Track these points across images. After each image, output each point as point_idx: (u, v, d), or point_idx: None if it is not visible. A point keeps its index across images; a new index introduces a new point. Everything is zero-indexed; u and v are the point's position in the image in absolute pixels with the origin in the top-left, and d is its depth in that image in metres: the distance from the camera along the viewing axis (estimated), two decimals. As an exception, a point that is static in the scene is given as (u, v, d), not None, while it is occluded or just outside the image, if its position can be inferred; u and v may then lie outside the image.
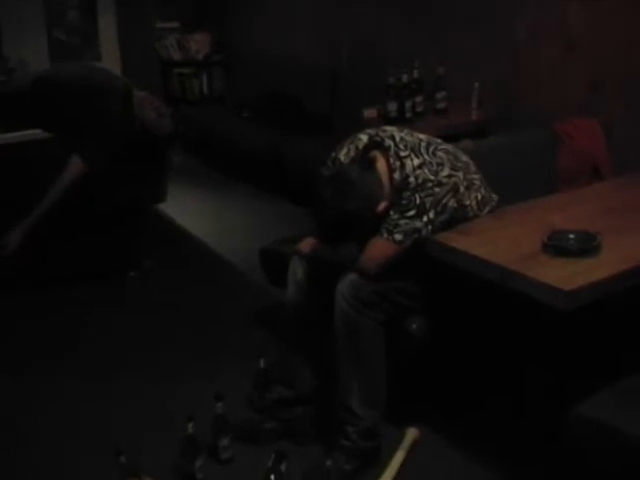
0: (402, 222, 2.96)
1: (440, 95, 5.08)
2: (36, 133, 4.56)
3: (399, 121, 4.68)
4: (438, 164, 3.01)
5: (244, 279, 4.95)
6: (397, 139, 3.05)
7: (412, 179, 2.96)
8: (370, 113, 5.07)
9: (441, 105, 5.10)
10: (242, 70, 7.86)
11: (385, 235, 2.98)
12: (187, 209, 6.16)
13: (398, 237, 2.96)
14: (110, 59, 7.58)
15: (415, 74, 5.06)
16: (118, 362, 4.00)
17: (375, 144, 3.09)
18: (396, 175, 2.99)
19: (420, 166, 2.98)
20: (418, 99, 5.02)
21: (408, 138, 3.08)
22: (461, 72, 5.09)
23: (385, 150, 3.03)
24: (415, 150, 3.03)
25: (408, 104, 4.97)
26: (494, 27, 5.00)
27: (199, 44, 8.19)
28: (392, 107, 4.95)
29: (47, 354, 4.07)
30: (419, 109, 5.04)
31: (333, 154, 3.23)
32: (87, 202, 4.56)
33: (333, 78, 6.55)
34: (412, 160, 2.99)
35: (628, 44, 4.24)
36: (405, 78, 5.00)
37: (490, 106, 5.03)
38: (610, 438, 2.46)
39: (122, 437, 3.21)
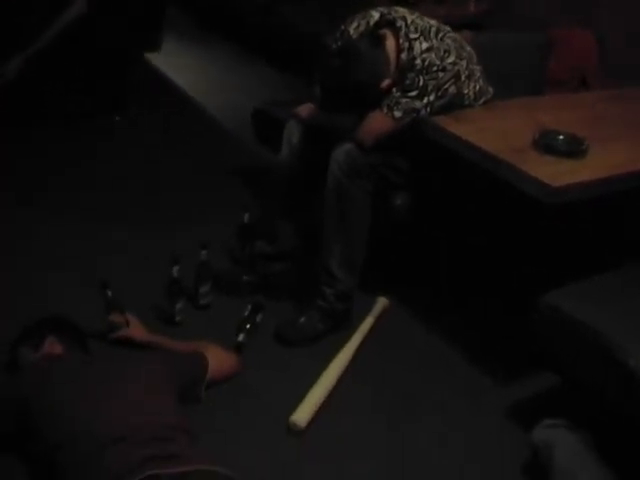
0: (403, 100, 3.08)
1: (443, -18, 5.14)
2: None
3: (400, 3, 4.71)
4: (445, 50, 3.11)
5: (230, 137, 5.07)
6: (408, 21, 3.15)
7: (419, 61, 3.07)
8: (375, -10, 5.11)
9: (442, -8, 5.15)
10: None
11: (385, 110, 3.10)
12: (174, 63, 6.16)
13: (397, 114, 3.09)
14: None
15: (421, -42, 5.10)
16: (104, 203, 4.12)
17: (386, 22, 3.17)
18: (403, 55, 3.09)
19: (428, 50, 3.08)
20: (421, -17, 5.07)
21: (419, 21, 3.18)
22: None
23: (396, 30, 3.12)
24: (425, 34, 3.12)
25: (412, -13, 5.01)
26: None
27: None
28: (396, -12, 4.99)
29: (34, 189, 4.17)
30: (421, -7, 5.08)
31: (342, 27, 3.31)
32: (86, 41, 4.60)
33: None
34: (421, 43, 3.09)
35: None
36: (411, -39, 5.04)
37: (488, 1, 5.08)
38: (569, 327, 2.64)
39: (108, 274, 3.29)
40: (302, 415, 2.79)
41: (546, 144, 2.94)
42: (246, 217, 3.58)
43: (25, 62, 4.50)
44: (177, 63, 6.20)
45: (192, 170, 4.58)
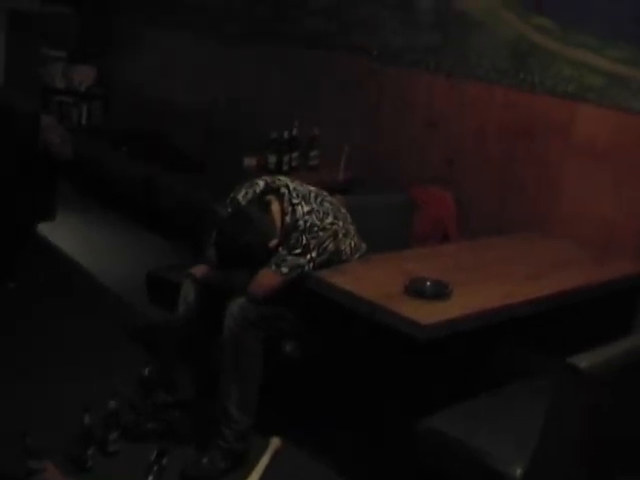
0: (289, 258, 3.49)
1: (313, 153, 5.63)
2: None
3: (276, 172, 5.15)
4: (324, 212, 3.57)
5: (121, 300, 5.37)
6: (291, 188, 3.61)
7: (301, 222, 3.51)
8: (250, 161, 5.60)
9: (313, 162, 5.65)
10: (121, 105, 8.25)
11: (273, 267, 3.50)
12: (60, 232, 6.44)
13: (284, 270, 3.49)
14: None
15: (294, 132, 5.61)
16: (13, 361, 4.34)
17: (271, 190, 3.63)
18: (287, 218, 3.54)
19: (309, 212, 3.53)
20: (294, 155, 5.57)
21: (300, 188, 3.64)
22: (333, 134, 5.66)
23: (280, 196, 3.58)
24: (305, 198, 3.58)
25: (286, 158, 5.51)
26: (365, 98, 5.64)
27: (83, 76, 8.45)
28: (272, 159, 5.48)
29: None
30: (294, 163, 5.57)
31: (232, 194, 3.74)
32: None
33: (208, 124, 6.96)
34: (302, 207, 3.54)
35: (481, 130, 4.92)
36: (286, 135, 5.55)
37: (356, 167, 5.59)
38: (451, 448, 3.00)
39: (24, 423, 3.53)
40: None
41: (415, 289, 3.37)
42: (146, 370, 3.89)
43: None
44: (62, 232, 6.46)
45: (88, 332, 4.81)
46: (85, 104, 8.46)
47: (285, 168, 5.50)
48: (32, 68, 8.29)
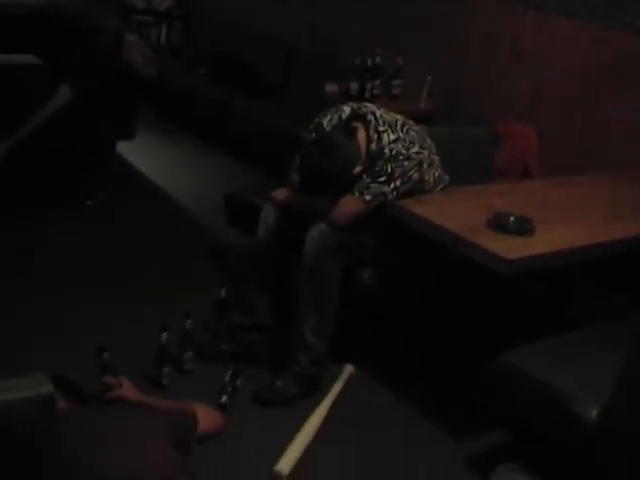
0: (373, 185, 3.45)
1: (396, 82, 5.58)
2: (29, 57, 4.85)
3: (358, 99, 5.11)
4: (410, 141, 3.51)
5: (198, 221, 5.40)
6: (377, 115, 3.55)
7: (387, 150, 3.46)
8: (332, 88, 5.55)
9: (396, 91, 5.59)
10: (201, 27, 8.17)
11: (357, 194, 3.47)
12: (137, 152, 6.42)
13: (367, 197, 3.45)
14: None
15: (377, 60, 5.54)
16: (87, 284, 4.37)
17: (357, 116, 3.57)
18: (373, 145, 3.48)
19: (395, 140, 3.48)
20: (377, 82, 5.51)
21: (386, 116, 3.58)
22: (416, 65, 5.57)
23: (366, 123, 3.52)
24: (392, 126, 3.52)
25: (368, 85, 5.46)
26: (451, 30, 5.54)
27: (163, -4, 8.48)
28: (354, 86, 5.45)
29: (13, 270, 4.37)
30: (376, 91, 5.52)
31: (316, 119, 3.70)
32: (64, 130, 4.90)
33: (289, 49, 6.88)
34: (388, 135, 3.49)
35: (568, 67, 4.82)
36: (369, 62, 5.49)
37: (438, 99, 5.53)
38: (527, 385, 2.98)
39: (98, 339, 3.52)
40: (285, 465, 3.08)
41: (498, 224, 3.31)
42: (222, 292, 3.90)
43: (8, 150, 4.75)
44: (140, 152, 6.48)
45: (168, 252, 4.86)
46: (165, 24, 8.44)
47: (367, 95, 5.46)
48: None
